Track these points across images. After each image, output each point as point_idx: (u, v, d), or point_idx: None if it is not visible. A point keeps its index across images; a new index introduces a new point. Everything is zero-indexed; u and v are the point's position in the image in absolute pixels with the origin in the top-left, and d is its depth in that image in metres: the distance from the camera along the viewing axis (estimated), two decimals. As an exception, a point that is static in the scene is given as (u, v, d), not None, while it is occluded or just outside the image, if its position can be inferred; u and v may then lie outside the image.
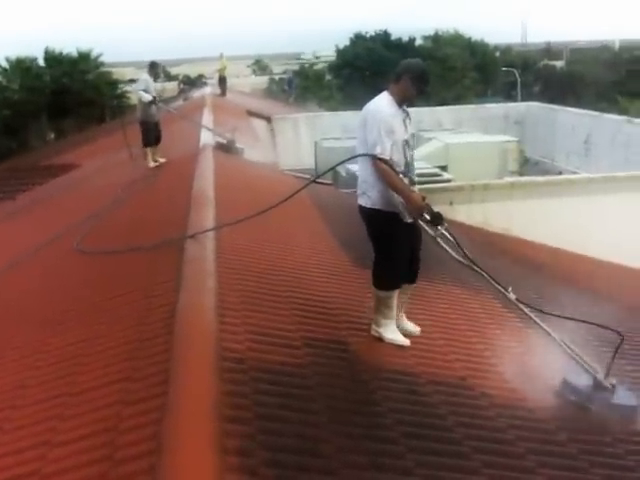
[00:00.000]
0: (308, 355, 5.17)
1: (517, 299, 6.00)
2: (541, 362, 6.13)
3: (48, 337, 6.04)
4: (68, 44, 52.43)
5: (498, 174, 21.45)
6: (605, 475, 4.48)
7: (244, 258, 7.17)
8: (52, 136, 46.56)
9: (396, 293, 5.91)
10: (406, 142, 5.77)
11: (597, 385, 5.43)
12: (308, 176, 16.87)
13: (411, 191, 5.68)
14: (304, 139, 28.46)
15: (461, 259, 5.99)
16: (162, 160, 14.68)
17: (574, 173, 24.00)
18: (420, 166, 13.00)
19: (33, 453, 3.97)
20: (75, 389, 4.66)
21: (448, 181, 14.48)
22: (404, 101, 5.83)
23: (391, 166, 5.58)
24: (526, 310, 5.98)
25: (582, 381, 5.51)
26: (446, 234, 6.02)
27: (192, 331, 4.80)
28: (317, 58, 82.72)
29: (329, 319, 6.18)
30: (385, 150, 5.57)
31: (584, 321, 5.92)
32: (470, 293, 8.04)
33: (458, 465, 4.17)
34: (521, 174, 22.51)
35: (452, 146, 22.83)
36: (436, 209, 5.72)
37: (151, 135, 14.63)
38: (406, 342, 5.98)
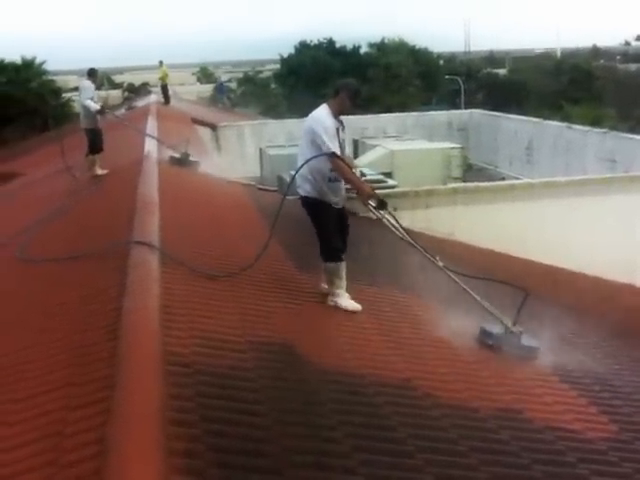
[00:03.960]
0: (253, 358, 5.20)
1: (444, 266, 7.01)
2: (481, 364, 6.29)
3: (-9, 345, 5.97)
4: (9, 52, 51.62)
5: (442, 180, 21.71)
6: (544, 471, 4.58)
7: (189, 264, 7.16)
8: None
9: (343, 265, 7.03)
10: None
11: (508, 331, 6.73)
12: (254, 184, 16.96)
13: (362, 182, 7.13)
14: (249, 147, 28.49)
15: (401, 236, 7.22)
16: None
17: (517, 179, 24.34)
18: (365, 172, 13.12)
19: (-23, 461, 3.94)
20: (18, 395, 4.62)
21: (392, 187, 14.60)
22: (340, 113, 7.02)
23: (345, 162, 6.82)
24: (452, 275, 6.99)
25: (496, 329, 6.78)
26: (389, 217, 7.11)
27: (137, 336, 4.79)
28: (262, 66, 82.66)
29: (275, 323, 6.23)
30: (337, 150, 6.75)
31: (501, 281, 7.29)
32: (413, 297, 8.15)
33: (402, 463, 4.23)
34: (464, 180, 22.78)
35: (397, 153, 23.01)
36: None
37: (99, 142, 14.53)
38: (358, 308, 7.02)
